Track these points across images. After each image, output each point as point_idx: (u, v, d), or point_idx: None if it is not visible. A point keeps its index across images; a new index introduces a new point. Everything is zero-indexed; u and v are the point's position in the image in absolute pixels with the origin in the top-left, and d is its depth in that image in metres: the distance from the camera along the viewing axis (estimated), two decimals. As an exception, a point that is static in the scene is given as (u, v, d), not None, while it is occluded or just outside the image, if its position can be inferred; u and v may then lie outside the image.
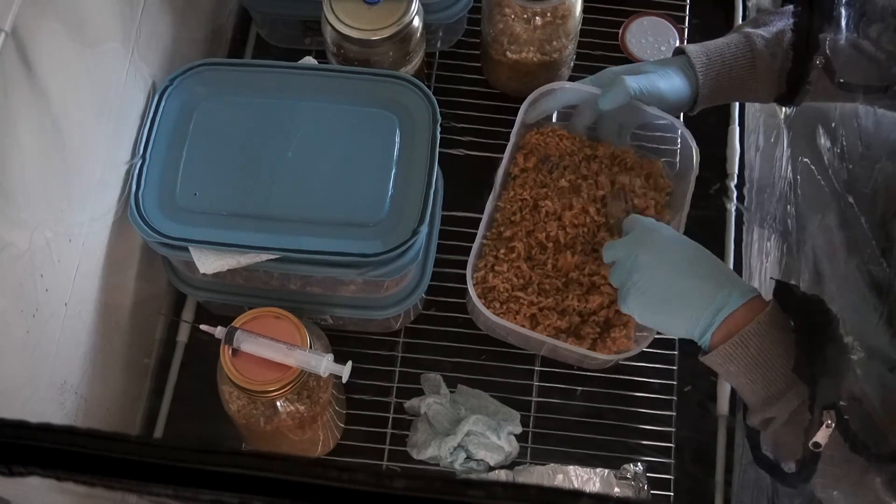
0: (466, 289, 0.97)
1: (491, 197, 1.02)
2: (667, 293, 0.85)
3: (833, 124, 0.91)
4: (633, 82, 0.98)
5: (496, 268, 1.01)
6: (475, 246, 1.00)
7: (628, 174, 1.05)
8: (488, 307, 0.99)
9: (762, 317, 0.79)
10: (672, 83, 1.00)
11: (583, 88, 1.03)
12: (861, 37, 0.85)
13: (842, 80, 0.88)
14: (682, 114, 1.04)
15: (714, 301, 0.82)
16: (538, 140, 1.07)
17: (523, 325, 0.98)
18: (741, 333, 0.79)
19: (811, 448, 0.72)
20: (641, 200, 1.03)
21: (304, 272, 0.95)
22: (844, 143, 0.87)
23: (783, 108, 1.03)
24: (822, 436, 0.72)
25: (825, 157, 0.90)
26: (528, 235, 1.03)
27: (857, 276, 0.79)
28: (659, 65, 1.02)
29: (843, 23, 0.86)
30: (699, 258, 0.87)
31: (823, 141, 0.92)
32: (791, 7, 0.97)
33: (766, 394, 0.79)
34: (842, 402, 0.72)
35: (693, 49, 1.00)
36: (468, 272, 0.98)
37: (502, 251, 1.02)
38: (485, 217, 1.01)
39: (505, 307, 1.00)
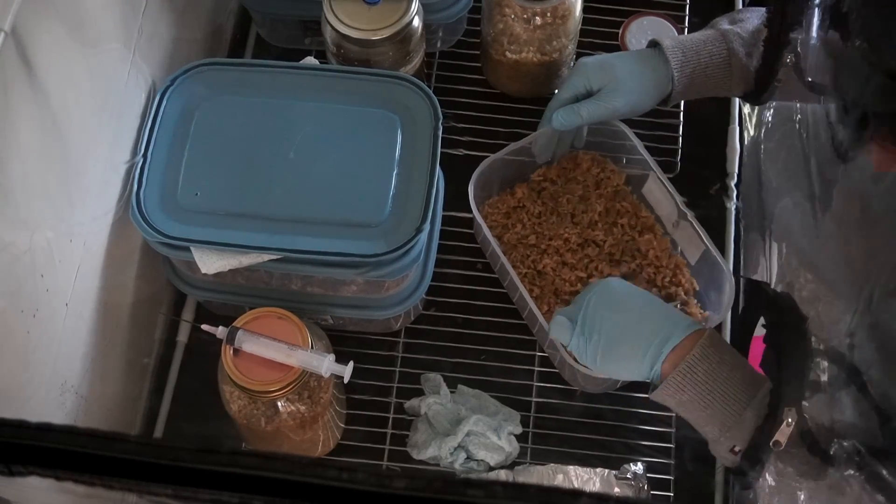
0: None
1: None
2: (618, 336, 0.86)
3: (805, 118, 0.91)
4: (585, 109, 1.00)
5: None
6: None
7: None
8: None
9: (704, 340, 0.81)
10: (630, 93, 1.00)
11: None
12: (830, 36, 0.85)
13: (810, 80, 0.88)
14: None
15: (660, 335, 0.83)
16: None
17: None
18: (687, 359, 0.80)
19: (771, 447, 0.73)
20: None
21: (305, 272, 0.95)
22: (815, 138, 0.87)
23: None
24: (782, 434, 0.72)
25: (802, 149, 0.91)
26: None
27: (831, 255, 0.79)
28: (630, 59, 1.02)
29: (815, 22, 0.86)
30: (646, 302, 0.88)
31: (799, 134, 0.93)
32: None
33: (723, 418, 0.80)
34: (804, 402, 0.72)
35: (669, 45, 1.00)
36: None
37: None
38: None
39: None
